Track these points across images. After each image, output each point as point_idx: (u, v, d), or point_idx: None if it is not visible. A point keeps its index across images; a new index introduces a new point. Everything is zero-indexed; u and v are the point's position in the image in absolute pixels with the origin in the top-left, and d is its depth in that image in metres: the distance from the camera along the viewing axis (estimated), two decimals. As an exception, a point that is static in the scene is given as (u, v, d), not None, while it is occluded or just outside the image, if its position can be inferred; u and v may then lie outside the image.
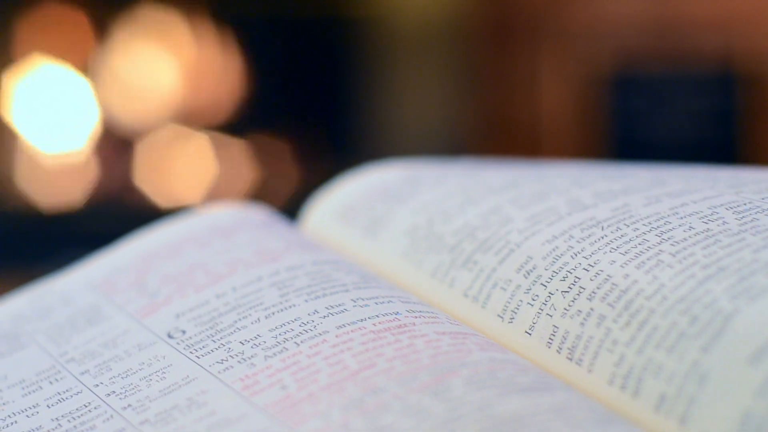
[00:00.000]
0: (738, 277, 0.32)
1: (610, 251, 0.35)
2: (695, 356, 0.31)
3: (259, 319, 0.36)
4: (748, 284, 0.32)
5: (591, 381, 0.33)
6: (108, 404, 0.34)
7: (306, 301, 0.36)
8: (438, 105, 1.74)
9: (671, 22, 1.69)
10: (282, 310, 0.36)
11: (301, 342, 0.34)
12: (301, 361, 0.33)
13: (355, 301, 0.36)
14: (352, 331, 0.34)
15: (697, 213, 0.36)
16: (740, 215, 0.36)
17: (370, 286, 0.37)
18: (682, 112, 1.69)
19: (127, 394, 0.34)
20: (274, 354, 0.34)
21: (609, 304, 0.34)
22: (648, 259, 0.34)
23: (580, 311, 0.34)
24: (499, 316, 0.36)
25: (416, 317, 0.35)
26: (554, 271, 0.36)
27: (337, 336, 0.34)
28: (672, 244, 0.35)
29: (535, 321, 0.35)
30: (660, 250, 0.35)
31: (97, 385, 0.35)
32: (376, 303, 0.36)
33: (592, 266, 0.35)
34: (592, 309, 0.34)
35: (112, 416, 0.33)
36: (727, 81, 1.69)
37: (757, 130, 1.69)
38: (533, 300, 0.36)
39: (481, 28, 1.75)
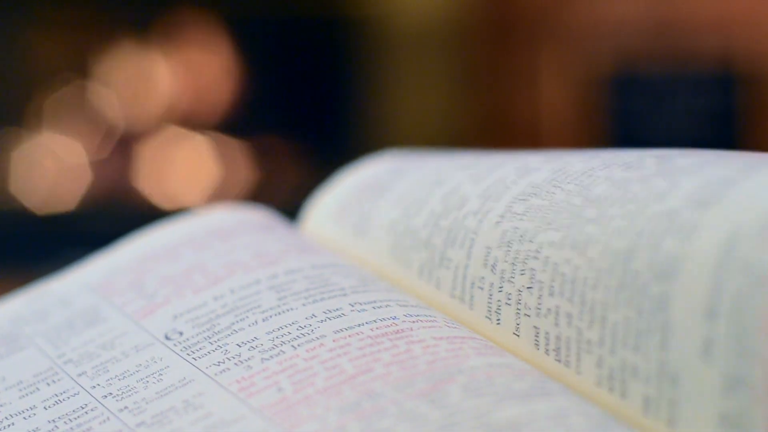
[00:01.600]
0: (650, 241, 0.31)
1: (546, 227, 0.35)
2: (658, 355, 0.30)
3: (256, 321, 0.36)
4: (662, 248, 0.31)
5: (582, 383, 0.32)
6: (105, 406, 0.34)
7: (304, 304, 0.36)
8: (438, 105, 1.74)
9: (671, 22, 1.69)
10: (279, 314, 0.36)
11: (298, 345, 0.34)
12: (298, 365, 0.33)
13: (352, 306, 0.36)
14: (349, 335, 0.34)
15: (623, 163, 0.35)
16: (660, 159, 0.34)
17: (369, 290, 0.37)
18: (682, 112, 1.69)
19: (124, 395, 0.34)
20: (271, 357, 0.34)
21: (568, 300, 0.33)
22: (578, 234, 0.33)
23: (549, 310, 0.34)
24: (486, 317, 0.36)
25: (414, 322, 0.35)
26: (512, 264, 0.35)
27: (334, 340, 0.34)
28: (595, 206, 0.34)
29: (517, 322, 0.35)
30: (585, 219, 0.34)
31: (95, 387, 0.35)
32: (374, 307, 0.36)
33: (539, 252, 0.34)
34: (557, 306, 0.33)
35: (108, 418, 0.33)
36: (727, 81, 1.69)
37: (757, 130, 1.69)
38: (509, 300, 0.35)
39: (481, 28, 1.75)
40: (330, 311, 0.36)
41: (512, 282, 0.35)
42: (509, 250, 0.35)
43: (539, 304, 0.34)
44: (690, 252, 0.30)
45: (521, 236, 0.35)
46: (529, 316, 0.34)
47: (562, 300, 0.33)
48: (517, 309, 0.35)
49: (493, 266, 0.36)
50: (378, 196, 0.43)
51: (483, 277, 0.36)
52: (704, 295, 0.29)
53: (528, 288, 0.34)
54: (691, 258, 0.30)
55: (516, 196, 0.37)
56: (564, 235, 0.34)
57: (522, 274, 0.35)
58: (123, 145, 1.73)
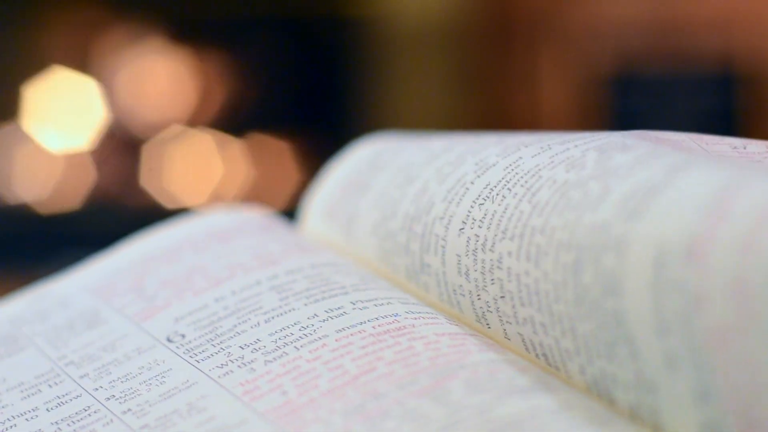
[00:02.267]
0: (592, 256, 0.30)
1: (502, 236, 0.34)
2: (632, 365, 0.29)
3: (258, 323, 0.36)
4: (602, 263, 0.30)
5: (576, 386, 0.32)
6: (108, 408, 0.34)
7: (305, 304, 0.36)
8: (438, 105, 1.74)
9: (671, 22, 1.69)
10: (281, 314, 0.36)
11: (301, 346, 0.34)
12: (302, 366, 0.33)
13: (354, 304, 0.36)
14: (351, 334, 0.34)
15: (567, 160, 0.34)
16: (600, 155, 0.33)
17: (369, 288, 0.37)
18: (682, 112, 1.68)
19: (126, 398, 0.34)
20: (274, 359, 0.34)
21: (538, 311, 0.32)
22: (529, 244, 0.33)
23: (525, 319, 0.33)
24: (477, 322, 0.35)
25: (415, 318, 0.35)
26: (482, 273, 0.35)
27: (336, 340, 0.34)
28: (539, 214, 0.33)
29: (504, 328, 0.34)
30: (533, 228, 0.33)
31: (97, 389, 0.35)
32: (375, 305, 0.36)
33: (501, 262, 0.34)
34: (531, 316, 0.33)
35: (111, 420, 0.33)
36: (727, 81, 1.69)
37: (757, 130, 1.69)
38: (489, 307, 0.35)
39: (481, 29, 1.75)
40: (332, 310, 0.36)
41: (486, 291, 0.34)
42: (476, 259, 0.35)
43: (515, 313, 0.33)
44: (627, 269, 0.29)
45: (483, 245, 0.35)
46: (510, 323, 0.34)
47: (533, 310, 0.33)
48: (499, 317, 0.34)
49: (467, 274, 0.35)
50: (360, 195, 0.42)
51: (461, 285, 0.36)
52: (650, 312, 0.29)
53: (501, 297, 0.34)
54: (630, 275, 0.29)
55: (474, 199, 0.36)
56: (518, 246, 0.33)
57: (493, 284, 0.34)
58: (125, 145, 1.73)
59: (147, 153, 1.73)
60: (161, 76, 1.75)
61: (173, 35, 1.75)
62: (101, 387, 0.35)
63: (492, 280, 0.34)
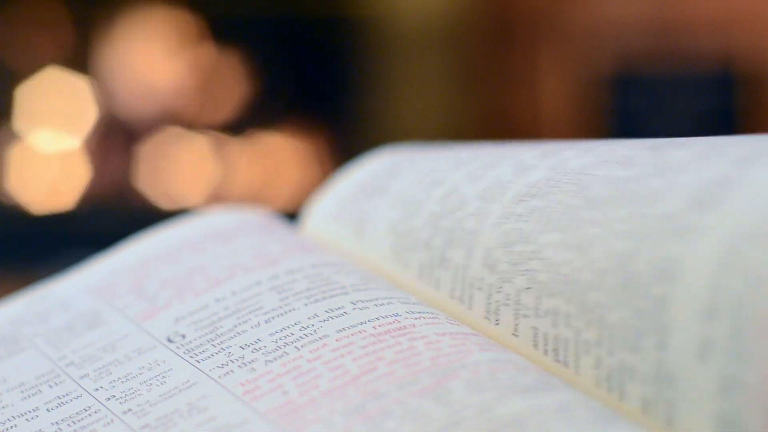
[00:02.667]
0: (652, 243, 0.31)
1: (547, 228, 0.34)
2: (655, 355, 0.30)
3: (258, 323, 0.36)
4: (663, 251, 0.31)
5: (581, 383, 0.32)
6: (108, 408, 0.34)
7: (306, 304, 0.36)
8: (439, 105, 1.75)
9: (671, 22, 1.69)
10: (282, 314, 0.36)
11: (302, 346, 0.34)
12: (302, 366, 0.33)
13: (354, 304, 0.36)
14: (352, 334, 0.34)
15: (618, 158, 0.35)
16: (655, 153, 0.34)
17: (370, 288, 0.37)
18: (682, 112, 1.69)
19: (127, 398, 0.34)
20: (275, 359, 0.34)
21: (567, 301, 0.33)
22: (578, 235, 0.33)
23: (548, 311, 0.33)
24: (485, 318, 0.36)
25: (416, 318, 0.35)
26: (512, 264, 0.35)
27: (337, 340, 0.34)
28: (595, 207, 0.34)
29: (516, 323, 0.35)
30: (581, 220, 0.34)
31: (98, 389, 0.35)
32: (376, 305, 0.36)
33: (539, 252, 0.34)
34: (556, 307, 0.33)
35: (112, 420, 0.33)
36: (727, 81, 1.69)
37: (757, 130, 1.68)
38: (507, 300, 0.35)
39: (481, 28, 1.75)
40: (332, 310, 0.36)
41: (512, 283, 0.35)
42: (511, 251, 0.35)
43: (538, 304, 0.34)
44: (692, 254, 0.30)
45: (523, 237, 0.35)
46: (527, 316, 0.34)
47: (561, 301, 0.33)
48: (516, 310, 0.35)
49: (492, 267, 0.36)
50: (376, 196, 0.42)
51: (482, 278, 0.36)
52: (704, 296, 0.29)
53: (527, 289, 0.34)
54: (693, 260, 0.30)
55: (515, 196, 0.36)
56: (565, 236, 0.34)
57: (522, 275, 0.35)
58: (123, 144, 1.73)
59: (145, 152, 1.73)
60: (160, 75, 1.75)
61: (173, 34, 1.75)
62: (102, 387, 0.35)
63: (523, 271, 0.35)
